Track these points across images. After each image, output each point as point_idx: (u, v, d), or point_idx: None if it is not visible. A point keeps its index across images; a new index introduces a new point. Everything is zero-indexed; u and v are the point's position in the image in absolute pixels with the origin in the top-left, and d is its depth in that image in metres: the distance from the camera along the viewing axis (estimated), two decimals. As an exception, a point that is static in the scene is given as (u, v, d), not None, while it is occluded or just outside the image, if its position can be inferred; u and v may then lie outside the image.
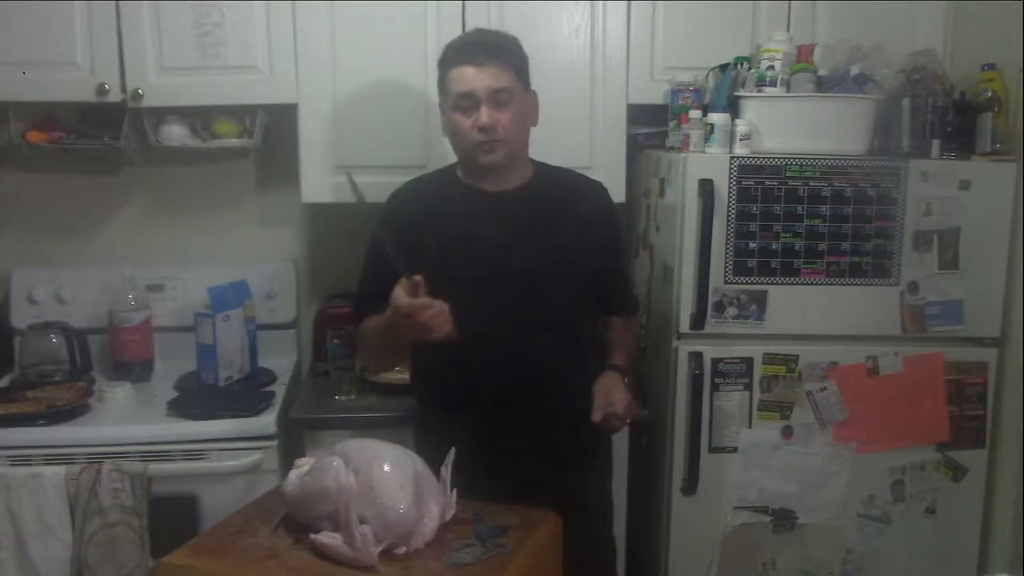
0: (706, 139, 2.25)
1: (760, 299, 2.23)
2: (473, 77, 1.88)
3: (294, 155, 2.48)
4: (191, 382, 2.55)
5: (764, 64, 2.28)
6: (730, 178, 2.18)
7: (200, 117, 2.58)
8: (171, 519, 2.15)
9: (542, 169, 2.07)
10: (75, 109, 2.57)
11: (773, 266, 2.21)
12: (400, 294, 1.75)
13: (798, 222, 2.20)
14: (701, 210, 2.17)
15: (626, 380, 2.00)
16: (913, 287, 2.24)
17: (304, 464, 1.66)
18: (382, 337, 1.94)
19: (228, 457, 2.23)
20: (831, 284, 2.23)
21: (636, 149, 2.60)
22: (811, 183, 2.19)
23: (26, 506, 2.13)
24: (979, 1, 2.43)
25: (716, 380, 2.24)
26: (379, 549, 1.53)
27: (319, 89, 2.43)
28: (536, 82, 1.99)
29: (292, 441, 2.33)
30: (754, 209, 2.19)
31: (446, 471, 1.66)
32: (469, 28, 2.38)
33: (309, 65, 2.43)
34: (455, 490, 1.67)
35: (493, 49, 1.90)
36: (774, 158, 2.19)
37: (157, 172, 2.76)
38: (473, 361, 1.89)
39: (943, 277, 2.24)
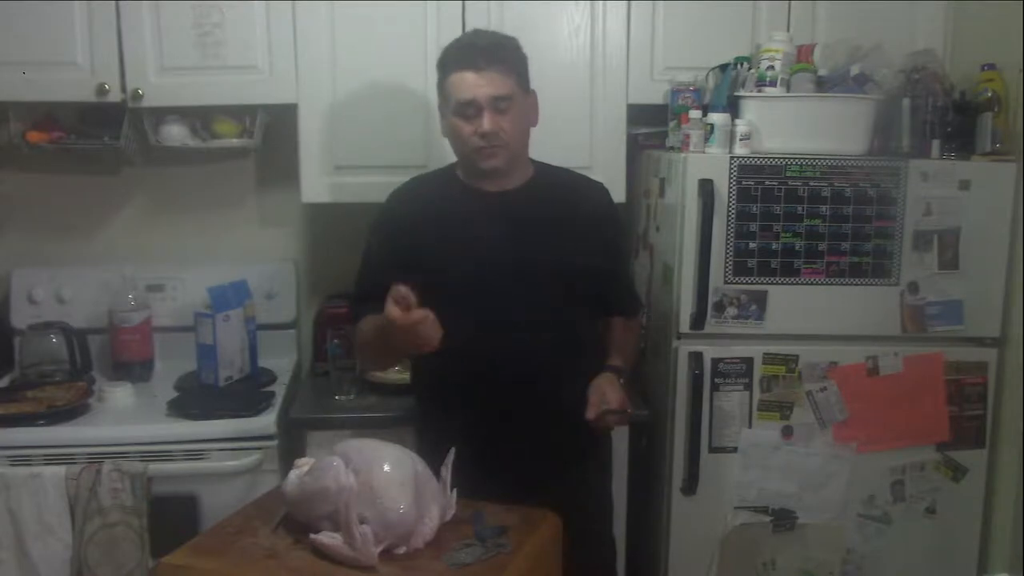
0: (706, 139, 2.25)
1: (760, 299, 2.23)
2: (474, 83, 1.88)
3: (294, 155, 2.48)
4: (191, 382, 2.55)
5: (764, 64, 2.28)
6: (730, 178, 2.18)
7: (200, 117, 2.58)
8: (171, 519, 2.15)
9: (542, 169, 2.07)
10: (75, 109, 2.57)
11: (773, 266, 2.21)
12: (389, 305, 1.73)
13: (798, 222, 2.20)
14: (701, 210, 2.17)
15: (621, 381, 2.00)
16: (913, 287, 2.24)
17: (304, 464, 1.66)
18: (377, 341, 1.94)
19: (228, 457, 2.23)
20: (831, 284, 2.23)
21: (636, 149, 2.60)
22: (811, 183, 2.19)
23: (26, 506, 2.13)
24: (979, 1, 2.43)
25: (716, 380, 2.24)
26: (379, 549, 1.53)
27: (319, 89, 2.43)
28: (536, 82, 1.99)
29: (292, 441, 2.33)
30: (754, 209, 2.19)
31: (446, 471, 1.66)
32: (469, 28, 2.37)
33: (309, 65, 2.42)
34: (455, 490, 1.67)
35: (493, 53, 1.89)
36: (774, 158, 2.19)
37: (157, 172, 2.76)
38: (473, 361, 1.89)
39: (943, 277, 2.24)
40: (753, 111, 2.24)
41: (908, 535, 2.32)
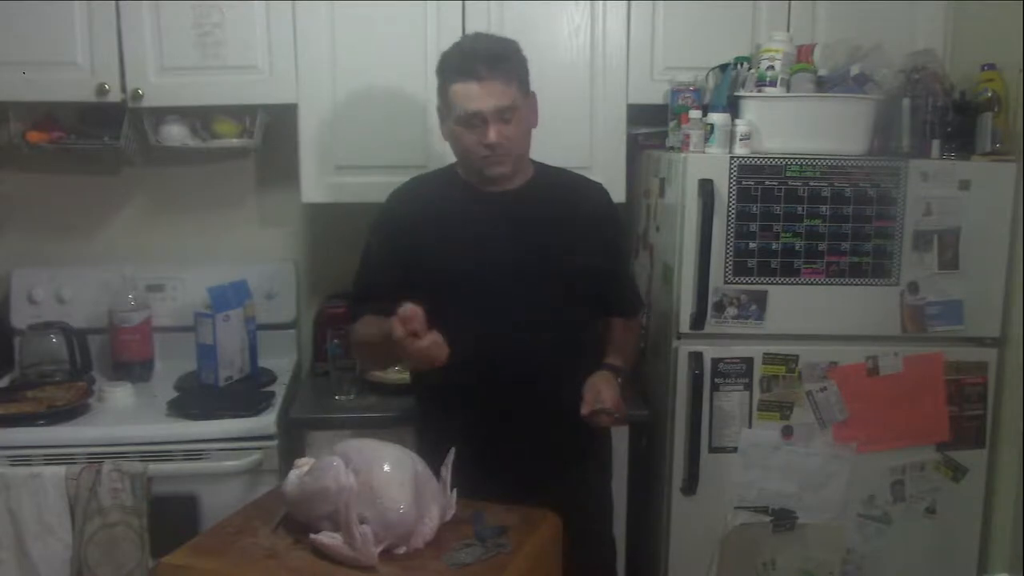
0: (706, 139, 2.25)
1: (760, 299, 2.23)
2: (477, 95, 1.87)
3: (294, 155, 2.48)
4: (191, 382, 2.55)
5: (764, 64, 2.28)
6: (730, 178, 2.18)
7: (200, 117, 2.58)
8: (171, 519, 2.15)
9: (542, 169, 2.07)
10: (75, 109, 2.57)
11: (773, 266, 2.21)
12: (396, 325, 1.72)
13: (798, 222, 2.20)
14: (701, 210, 2.17)
15: (619, 380, 1.99)
16: (913, 287, 2.24)
17: (304, 464, 1.66)
18: (378, 347, 1.93)
19: (228, 457, 2.23)
20: (831, 284, 2.23)
21: (636, 149, 2.60)
22: (811, 183, 2.19)
23: (26, 506, 2.13)
24: (979, 1, 2.43)
25: (716, 380, 2.24)
26: (379, 549, 1.53)
27: (319, 89, 2.43)
28: (536, 82, 1.99)
29: (292, 441, 2.33)
30: (754, 209, 2.19)
31: (446, 471, 1.66)
32: (469, 28, 2.38)
33: (309, 65, 2.42)
34: (455, 490, 1.67)
35: (495, 63, 1.88)
36: (774, 158, 2.19)
37: (157, 172, 2.76)
38: (473, 361, 1.88)
39: (943, 277, 2.24)
40: (753, 111, 2.24)
41: (908, 535, 2.32)
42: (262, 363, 2.66)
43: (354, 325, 2.05)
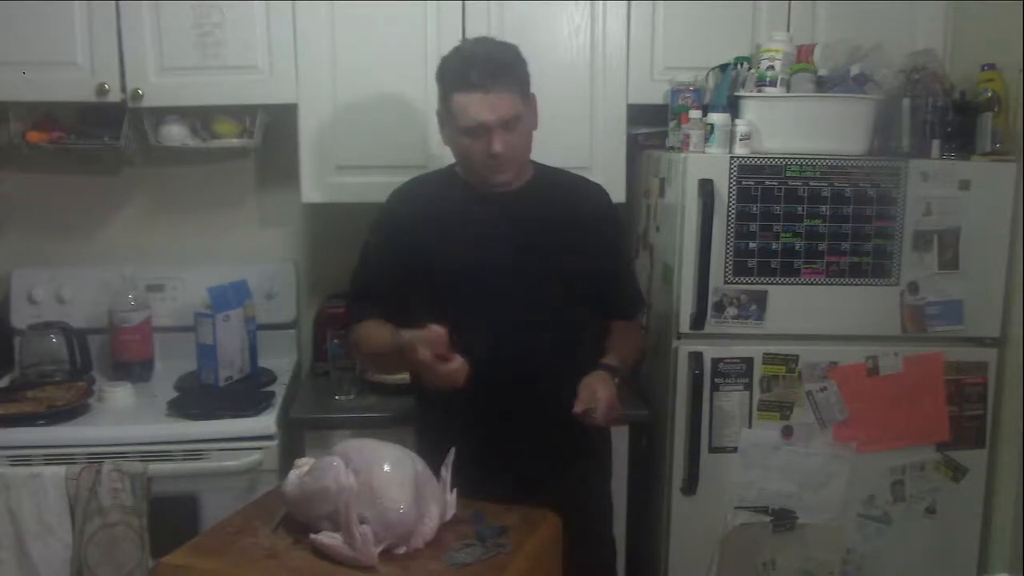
0: (706, 139, 2.25)
1: (760, 299, 2.23)
2: (481, 106, 1.86)
3: (294, 155, 2.48)
4: (191, 382, 2.55)
5: (764, 64, 2.28)
6: (730, 178, 2.18)
7: (200, 117, 2.58)
8: (171, 519, 2.14)
9: (542, 170, 2.07)
10: (75, 109, 2.57)
11: (773, 266, 2.21)
12: (421, 348, 1.75)
13: (798, 222, 2.20)
14: (701, 210, 2.17)
15: (616, 380, 1.99)
16: (913, 287, 2.24)
17: (304, 464, 1.66)
18: (389, 356, 1.95)
19: (228, 457, 2.23)
20: (831, 284, 2.23)
21: (636, 149, 2.60)
22: (811, 183, 2.19)
23: (26, 506, 2.13)
24: (979, 1, 2.43)
25: (716, 380, 2.24)
26: (379, 549, 1.52)
27: (319, 89, 2.43)
28: (536, 82, 1.99)
29: (292, 441, 2.33)
30: (754, 209, 2.19)
31: (446, 471, 1.66)
32: (469, 28, 2.38)
33: (309, 65, 2.42)
34: (455, 490, 1.67)
35: (498, 73, 1.87)
36: (774, 158, 2.19)
37: (157, 172, 2.76)
38: (473, 361, 1.88)
39: (943, 277, 2.24)
40: (753, 111, 2.24)
41: (908, 535, 2.32)
42: (262, 363, 2.66)
43: (356, 327, 2.04)
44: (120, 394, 2.41)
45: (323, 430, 2.28)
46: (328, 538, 1.54)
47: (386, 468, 1.58)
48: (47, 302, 2.67)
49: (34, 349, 2.58)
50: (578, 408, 1.87)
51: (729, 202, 2.19)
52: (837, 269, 2.22)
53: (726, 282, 2.22)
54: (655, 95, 2.50)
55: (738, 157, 2.19)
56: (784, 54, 2.28)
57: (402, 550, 1.56)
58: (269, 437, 2.26)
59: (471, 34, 2.34)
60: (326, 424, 2.30)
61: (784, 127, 2.23)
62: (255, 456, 2.23)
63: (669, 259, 2.31)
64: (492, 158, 1.90)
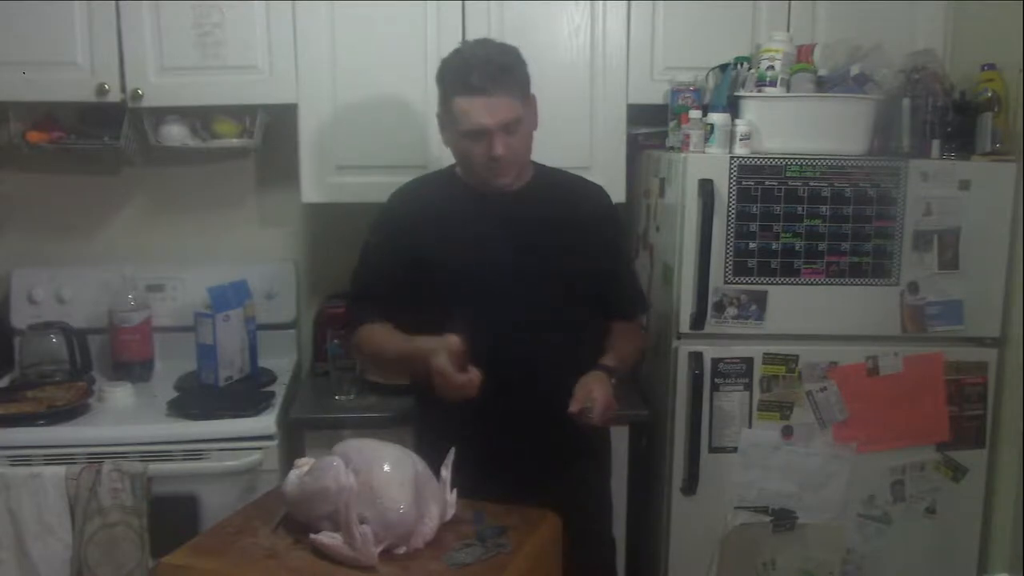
0: (706, 139, 2.25)
1: (760, 299, 2.23)
2: (483, 110, 1.86)
3: (294, 155, 2.48)
4: (191, 382, 2.55)
5: (764, 64, 2.28)
6: (730, 178, 2.18)
7: (200, 117, 2.58)
8: (171, 519, 2.14)
9: (541, 170, 2.07)
10: (75, 109, 2.57)
11: (773, 266, 2.21)
12: (444, 362, 1.77)
13: (798, 222, 2.20)
14: (701, 210, 2.17)
15: (613, 380, 1.98)
16: (913, 287, 2.24)
17: (304, 464, 1.66)
18: (399, 364, 1.97)
19: (228, 457, 2.23)
20: (831, 284, 2.23)
21: (636, 149, 2.60)
22: (811, 183, 2.19)
23: (26, 506, 2.13)
24: (979, 1, 2.43)
25: (716, 380, 2.24)
26: (379, 549, 1.53)
27: (319, 89, 2.43)
28: (536, 82, 1.99)
29: (292, 441, 2.33)
30: (754, 209, 2.19)
31: (446, 471, 1.66)
32: (469, 28, 2.38)
33: (309, 65, 2.42)
34: (455, 490, 1.67)
35: (500, 77, 1.87)
36: (774, 158, 2.19)
37: (157, 172, 2.76)
38: (473, 361, 1.89)
39: (943, 277, 2.24)
40: (753, 111, 2.24)
41: (908, 535, 2.32)
42: (262, 363, 2.66)
43: (360, 330, 2.04)
44: (120, 394, 2.41)
45: (323, 430, 2.28)
46: (328, 538, 1.54)
47: (386, 468, 1.58)
48: (47, 302, 2.67)
49: (34, 349, 2.58)
50: (574, 408, 1.87)
51: (729, 202, 2.19)
52: (837, 269, 2.22)
53: (726, 282, 2.22)
54: (655, 95, 2.50)
55: (738, 157, 2.19)
56: (784, 54, 2.28)
57: (402, 550, 1.56)
58: (269, 437, 2.26)
59: (471, 34, 2.34)
60: (326, 424, 2.30)
61: (784, 127, 2.23)
62: (255, 456, 2.23)
63: (669, 259, 2.31)
64: (493, 161, 1.90)
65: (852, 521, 2.30)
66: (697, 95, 2.40)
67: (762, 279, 2.22)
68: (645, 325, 2.45)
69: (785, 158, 2.19)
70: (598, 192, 2.13)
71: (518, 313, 1.91)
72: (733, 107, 2.26)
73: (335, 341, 2.46)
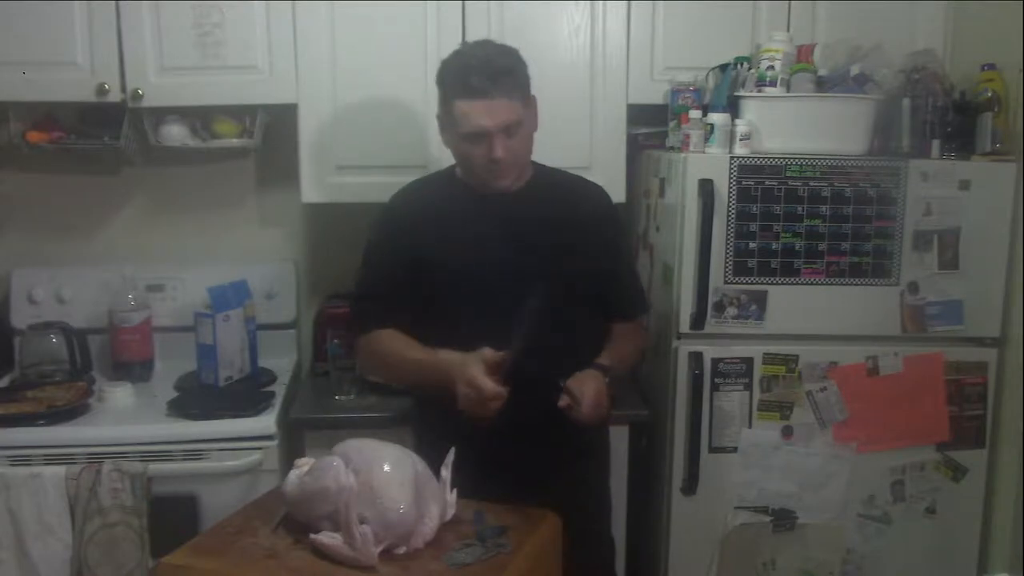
0: (706, 139, 2.25)
1: (760, 299, 2.23)
2: (483, 113, 1.86)
3: (294, 155, 2.48)
4: (191, 382, 2.55)
5: (764, 64, 2.28)
6: (730, 178, 2.18)
7: (200, 117, 2.58)
8: (171, 519, 2.15)
9: (541, 170, 2.07)
10: (75, 109, 2.57)
11: (773, 266, 2.21)
12: (480, 372, 1.76)
13: (798, 222, 2.20)
14: (701, 210, 2.17)
15: (606, 379, 1.98)
16: (913, 287, 2.24)
17: (304, 464, 1.66)
18: (414, 372, 1.95)
19: (228, 457, 2.23)
20: (831, 284, 2.23)
21: (636, 149, 2.60)
22: (811, 183, 2.19)
23: (26, 506, 2.13)
24: (979, 1, 2.43)
25: (716, 380, 2.24)
26: (379, 549, 1.53)
27: (319, 89, 2.43)
28: (536, 82, 1.99)
29: (292, 441, 2.33)
30: (754, 209, 2.19)
31: (446, 471, 1.66)
32: (469, 29, 2.38)
33: (309, 65, 2.42)
34: (455, 490, 1.67)
35: (499, 76, 1.87)
36: (774, 158, 2.19)
37: (157, 172, 2.76)
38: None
39: (943, 277, 2.24)
40: (753, 111, 2.24)
41: (908, 535, 2.32)
42: (262, 363, 2.66)
43: (367, 336, 2.02)
44: (120, 394, 2.41)
45: (323, 430, 2.28)
46: (328, 538, 1.54)
47: (386, 468, 1.58)
48: (47, 302, 2.67)
49: (34, 349, 2.58)
50: (562, 402, 1.86)
51: (729, 202, 2.19)
52: (837, 269, 2.22)
53: (726, 282, 2.22)
54: (655, 95, 2.50)
55: (738, 157, 2.19)
56: (784, 54, 2.28)
57: (402, 550, 1.56)
58: (269, 437, 2.26)
59: (471, 34, 2.34)
60: (326, 424, 2.30)
61: (784, 127, 2.23)
62: (255, 456, 2.23)
63: (669, 259, 2.31)
64: (493, 163, 1.90)
65: (852, 521, 2.30)
66: (697, 95, 2.40)
67: (762, 279, 2.22)
68: (646, 325, 2.45)
69: (785, 158, 2.19)
70: (598, 192, 2.12)
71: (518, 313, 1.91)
72: (733, 107, 2.26)
73: (335, 341, 2.46)
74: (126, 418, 2.32)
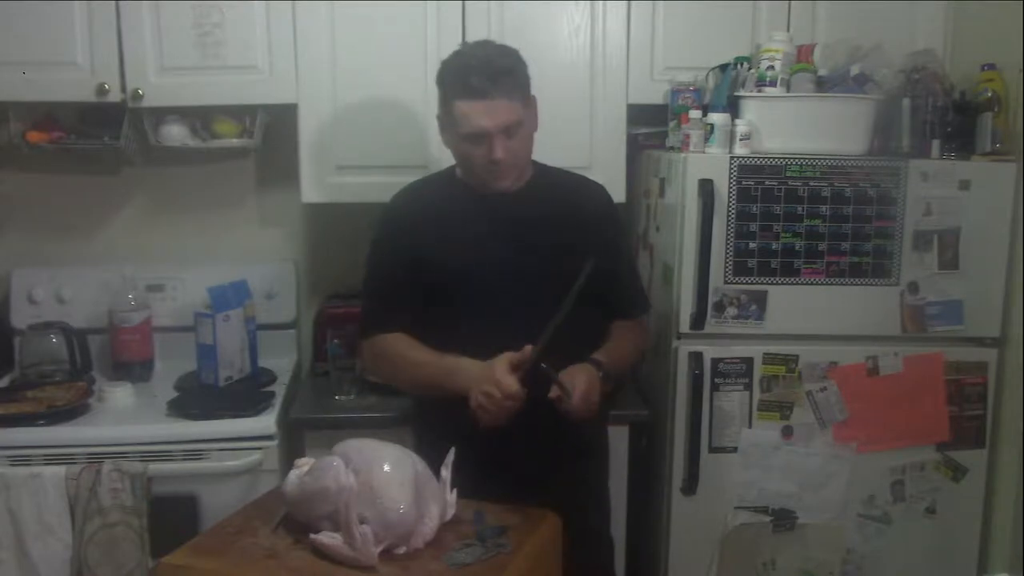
0: (706, 139, 2.25)
1: (760, 299, 2.23)
2: (483, 114, 1.86)
3: (294, 155, 2.48)
4: (191, 382, 2.55)
5: (764, 64, 2.28)
6: (730, 178, 2.18)
7: (200, 117, 2.58)
8: (171, 519, 2.15)
9: (542, 170, 2.07)
10: (75, 109, 2.57)
11: (773, 266, 2.21)
12: (506, 372, 1.77)
13: (798, 222, 2.20)
14: (701, 210, 2.17)
15: (600, 375, 1.97)
16: (913, 287, 2.24)
17: (304, 464, 1.66)
18: (428, 376, 1.94)
19: (228, 457, 2.23)
20: (831, 284, 2.23)
21: (636, 149, 2.60)
22: (811, 183, 2.19)
23: (26, 506, 2.13)
24: (979, 1, 2.43)
25: (716, 380, 2.24)
26: (379, 549, 1.52)
27: (319, 89, 2.43)
28: (536, 82, 1.99)
29: (292, 441, 2.33)
30: (754, 209, 2.19)
31: (446, 471, 1.66)
32: (469, 29, 2.38)
33: (309, 65, 2.42)
34: (455, 490, 1.67)
35: (499, 77, 1.87)
36: (774, 158, 2.19)
37: (157, 172, 2.76)
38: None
39: (943, 277, 2.24)
40: (753, 111, 2.24)
41: (908, 535, 2.32)
42: (262, 363, 2.66)
43: (375, 339, 2.02)
44: (120, 394, 2.41)
45: (323, 430, 2.28)
46: (328, 538, 1.54)
47: (386, 468, 1.58)
48: (47, 302, 2.67)
49: (34, 349, 2.58)
50: (553, 394, 1.86)
51: (729, 202, 2.19)
52: (837, 269, 2.22)
53: (726, 282, 2.22)
54: (655, 95, 2.50)
55: (738, 157, 2.19)
56: (784, 54, 2.28)
57: (402, 550, 1.56)
58: (269, 437, 2.26)
59: (471, 34, 2.34)
60: (326, 424, 2.30)
61: (784, 127, 2.23)
62: (255, 456, 2.23)
63: (669, 259, 2.31)
64: (493, 164, 1.90)
65: (852, 521, 2.30)
66: (697, 95, 2.40)
67: (762, 279, 2.22)
68: (646, 325, 2.45)
69: (785, 158, 2.19)
70: (599, 191, 2.12)
71: (518, 313, 1.91)
72: (733, 107, 2.26)
73: (335, 341, 2.46)
74: (126, 418, 2.32)
